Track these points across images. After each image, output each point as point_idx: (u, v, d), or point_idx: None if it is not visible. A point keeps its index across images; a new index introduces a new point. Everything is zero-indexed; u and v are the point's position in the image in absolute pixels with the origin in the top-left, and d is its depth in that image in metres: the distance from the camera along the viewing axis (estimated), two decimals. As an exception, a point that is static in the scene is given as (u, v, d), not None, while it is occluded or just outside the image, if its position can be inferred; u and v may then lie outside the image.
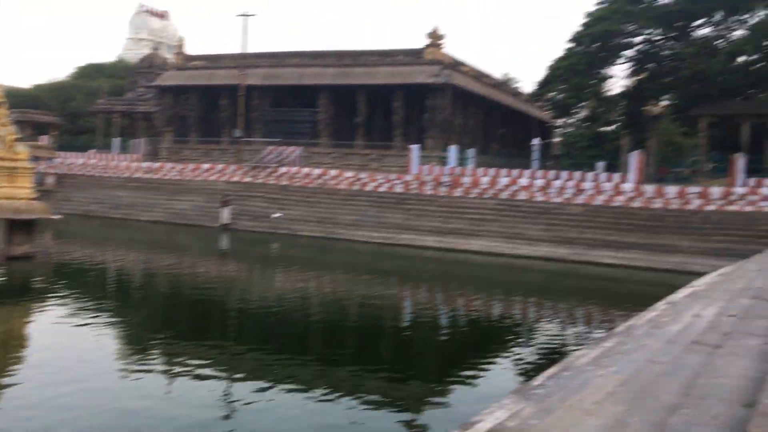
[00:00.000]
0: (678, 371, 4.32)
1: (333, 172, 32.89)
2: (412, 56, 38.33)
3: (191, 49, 53.33)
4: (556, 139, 54.86)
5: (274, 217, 29.02)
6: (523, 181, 28.75)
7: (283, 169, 34.17)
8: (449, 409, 8.00)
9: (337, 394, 8.20)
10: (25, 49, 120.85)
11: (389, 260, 23.15)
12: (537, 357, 10.89)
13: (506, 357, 11.12)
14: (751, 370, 3.94)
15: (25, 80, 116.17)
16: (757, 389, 3.17)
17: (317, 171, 33.37)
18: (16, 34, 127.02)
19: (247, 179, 34.10)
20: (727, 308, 7.87)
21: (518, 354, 11.28)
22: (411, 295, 17.24)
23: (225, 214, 29.64)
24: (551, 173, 30.47)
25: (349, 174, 32.35)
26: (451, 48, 68.29)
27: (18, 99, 45.55)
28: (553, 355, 10.05)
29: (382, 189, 30.63)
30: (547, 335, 12.66)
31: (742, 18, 37.65)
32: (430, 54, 37.60)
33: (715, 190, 25.25)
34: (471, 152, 34.69)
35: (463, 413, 6.09)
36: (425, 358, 11.02)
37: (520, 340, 12.46)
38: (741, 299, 8.56)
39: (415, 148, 33.10)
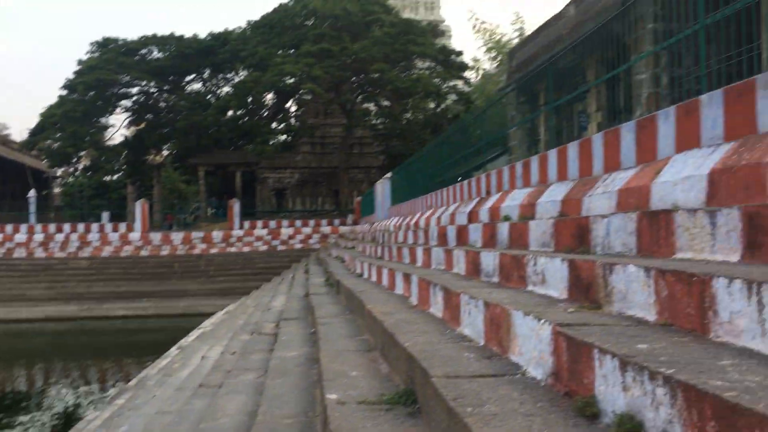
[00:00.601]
0: (184, 419, 4.57)
1: None
2: None
3: None
4: (57, 190, 51.84)
5: None
6: (21, 237, 26.34)
7: None
8: None
9: None
10: None
11: None
12: (50, 428, 10.07)
13: (11, 437, 10.00)
14: (248, 404, 4.42)
15: None
16: (251, 423, 3.58)
17: None
18: None
19: None
20: (230, 346, 8.61)
21: (26, 428, 10.24)
22: None
23: None
24: (52, 226, 28.56)
25: None
26: None
27: None
28: (68, 422, 9.45)
29: None
30: (59, 401, 11.81)
31: (228, 77, 41.59)
32: None
33: (217, 234, 27.20)
34: (-48, 208, 30.26)
35: None
36: None
37: (27, 412, 11.33)
38: (242, 335, 9.44)
39: None
